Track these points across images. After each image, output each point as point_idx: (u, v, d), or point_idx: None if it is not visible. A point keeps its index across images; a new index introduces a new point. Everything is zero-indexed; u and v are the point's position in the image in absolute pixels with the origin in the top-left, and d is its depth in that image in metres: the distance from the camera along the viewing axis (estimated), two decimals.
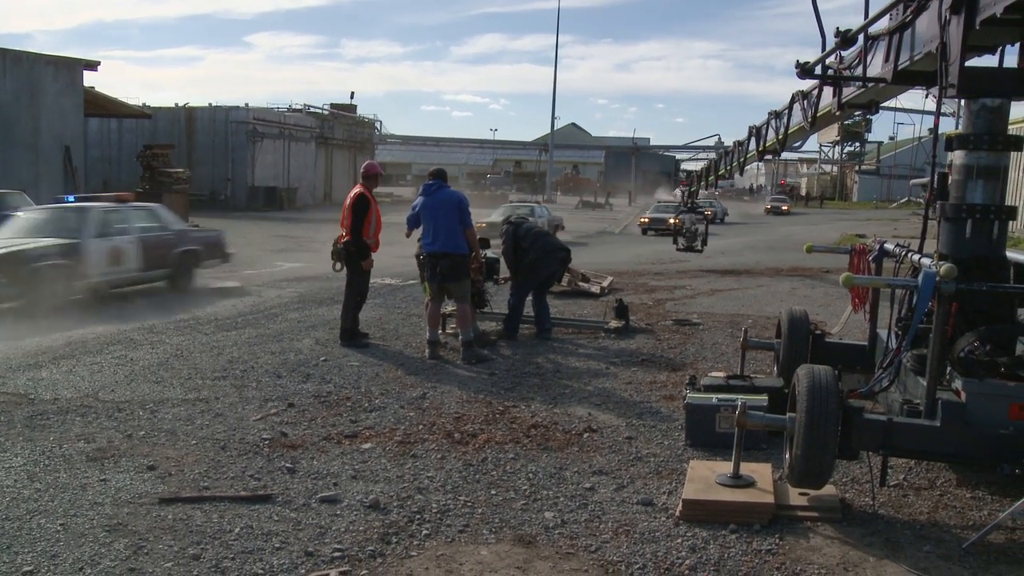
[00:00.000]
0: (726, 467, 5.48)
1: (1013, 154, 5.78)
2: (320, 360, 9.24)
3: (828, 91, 7.67)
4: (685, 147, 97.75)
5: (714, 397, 6.66)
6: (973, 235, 5.60)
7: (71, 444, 6.27)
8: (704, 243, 12.30)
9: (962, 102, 5.73)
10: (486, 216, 27.29)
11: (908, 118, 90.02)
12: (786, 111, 9.07)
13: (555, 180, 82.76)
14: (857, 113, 7.99)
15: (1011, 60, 5.70)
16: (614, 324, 11.27)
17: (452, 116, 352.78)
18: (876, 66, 6.44)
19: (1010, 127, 5.91)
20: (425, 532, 4.90)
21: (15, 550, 4.52)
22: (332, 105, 61.08)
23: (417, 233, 9.99)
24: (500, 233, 11.24)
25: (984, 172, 5.59)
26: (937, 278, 5.03)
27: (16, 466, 5.78)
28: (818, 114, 8.11)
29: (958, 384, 5.27)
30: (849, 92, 7.19)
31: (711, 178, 12.92)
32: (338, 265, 10.35)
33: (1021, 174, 30.51)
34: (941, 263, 5.20)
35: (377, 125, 66.97)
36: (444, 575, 4.39)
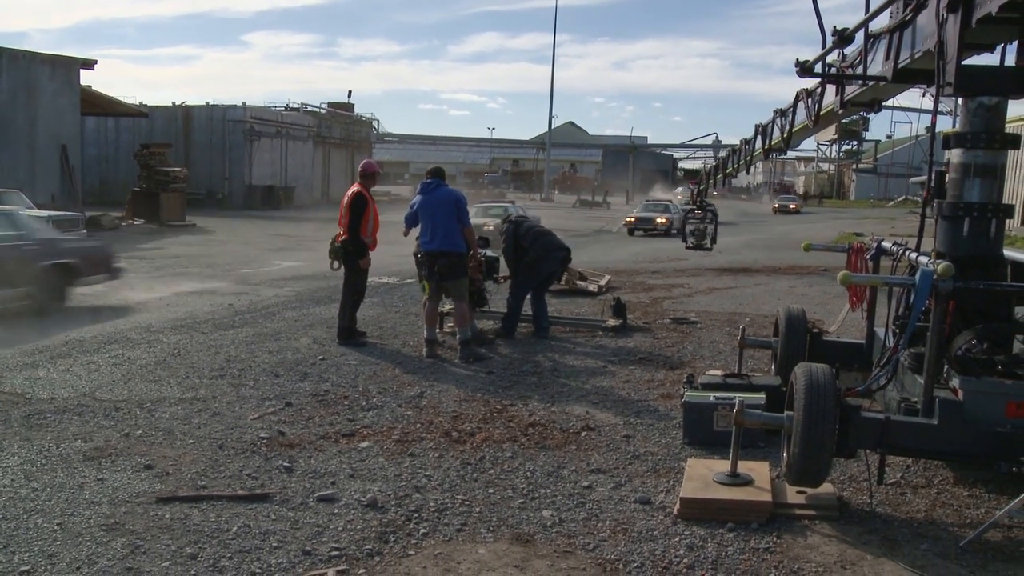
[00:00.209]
0: (724, 465, 5.48)
1: (1010, 152, 5.77)
2: (318, 359, 9.23)
3: (831, 89, 7.66)
4: (682, 146, 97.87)
5: (712, 395, 6.66)
6: (970, 233, 5.60)
7: (68, 443, 6.26)
8: (713, 241, 12.31)
9: (959, 100, 5.73)
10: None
11: (905, 116, 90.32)
12: (791, 109, 9.07)
13: (552, 179, 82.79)
14: (861, 111, 7.97)
15: (1013, 59, 5.69)
16: (612, 323, 11.27)
17: (449, 115, 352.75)
18: (877, 64, 6.44)
19: (1007, 125, 5.91)
20: (423, 531, 4.90)
21: (12, 549, 4.51)
22: (329, 104, 61.04)
23: (415, 231, 9.99)
24: (500, 232, 11.23)
25: (981, 170, 5.59)
26: (935, 276, 5.03)
27: (13, 465, 5.77)
28: (821, 112, 8.10)
29: (955, 382, 5.28)
30: (852, 90, 7.17)
31: (719, 176, 12.91)
32: (336, 264, 10.34)
33: (1018, 172, 30.54)
34: (938, 261, 5.21)
35: (374, 124, 66.95)
36: (442, 574, 4.39)
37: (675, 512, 5.14)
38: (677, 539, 4.80)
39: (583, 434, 6.77)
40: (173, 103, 49.12)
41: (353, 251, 10.07)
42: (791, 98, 8.79)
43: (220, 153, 46.80)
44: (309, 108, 57.12)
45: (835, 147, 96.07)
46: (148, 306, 12.78)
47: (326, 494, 5.38)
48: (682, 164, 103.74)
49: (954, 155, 5.71)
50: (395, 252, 18.50)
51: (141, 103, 46.17)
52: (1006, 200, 5.83)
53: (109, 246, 14.73)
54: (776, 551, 4.65)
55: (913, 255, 5.93)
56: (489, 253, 11.28)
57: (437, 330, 10.04)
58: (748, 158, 11.48)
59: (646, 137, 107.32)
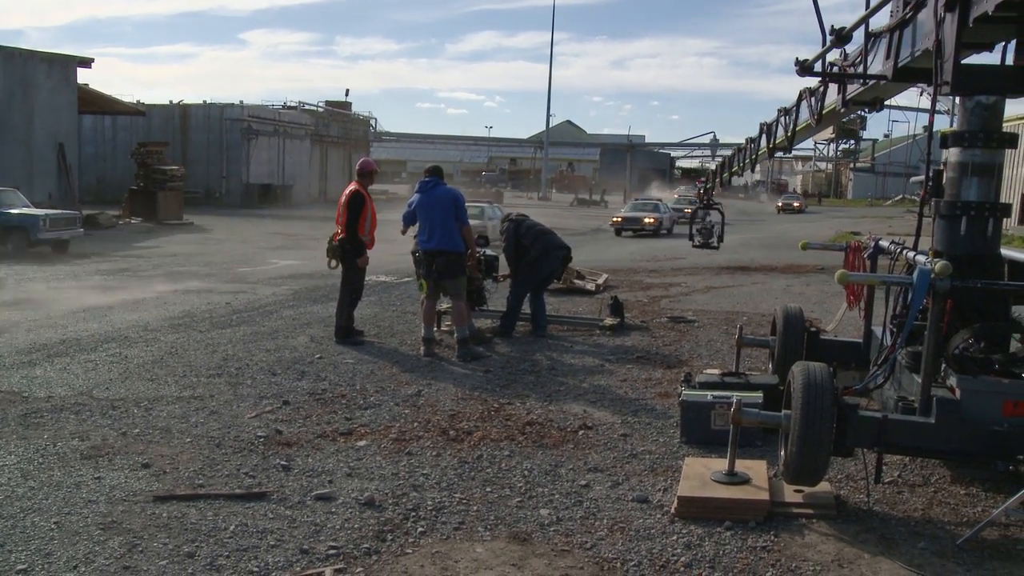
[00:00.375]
0: (721, 464, 5.49)
1: (1008, 151, 5.78)
2: (315, 357, 9.23)
3: (834, 88, 7.68)
4: (680, 145, 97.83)
5: (709, 394, 6.67)
6: (968, 232, 5.61)
7: (65, 442, 6.26)
8: (720, 240, 12.34)
9: (957, 99, 5.74)
10: None
11: (903, 115, 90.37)
12: (794, 108, 9.09)
13: (550, 177, 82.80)
14: (863, 110, 7.98)
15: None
16: (609, 321, 11.27)
17: (447, 113, 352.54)
18: (878, 63, 6.45)
19: (1005, 124, 5.91)
20: (420, 529, 4.90)
21: (9, 548, 4.51)
22: (327, 102, 60.96)
23: (413, 230, 9.98)
24: (501, 231, 11.22)
25: (979, 169, 5.60)
26: (932, 275, 5.03)
27: (10, 464, 5.76)
28: (824, 111, 8.12)
29: (953, 381, 5.29)
30: (853, 89, 7.19)
31: (726, 175, 12.95)
32: (334, 262, 10.34)
33: (1015, 172, 30.58)
34: (936, 260, 5.21)
35: (372, 122, 66.84)
36: (439, 572, 4.39)
37: (673, 511, 5.14)
38: (675, 538, 4.80)
39: (581, 433, 6.77)
40: (170, 101, 49.04)
41: (351, 250, 10.06)
42: (789, 97, 8.82)
43: (217, 152, 46.72)
44: (307, 107, 57.03)
45: (832, 146, 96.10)
46: (145, 304, 12.77)
47: (323, 493, 5.38)
48: (680, 163, 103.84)
49: (952, 154, 5.71)
50: (393, 251, 18.52)
51: (138, 101, 46.16)
52: (1003, 199, 5.84)
53: None
54: (773, 550, 4.65)
55: (911, 254, 5.93)
56: (488, 252, 11.27)
57: (435, 329, 10.04)
58: (753, 157, 11.51)
59: (644, 136, 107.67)
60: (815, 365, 5.22)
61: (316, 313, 12.13)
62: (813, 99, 8.25)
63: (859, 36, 6.71)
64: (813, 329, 8.08)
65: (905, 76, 6.09)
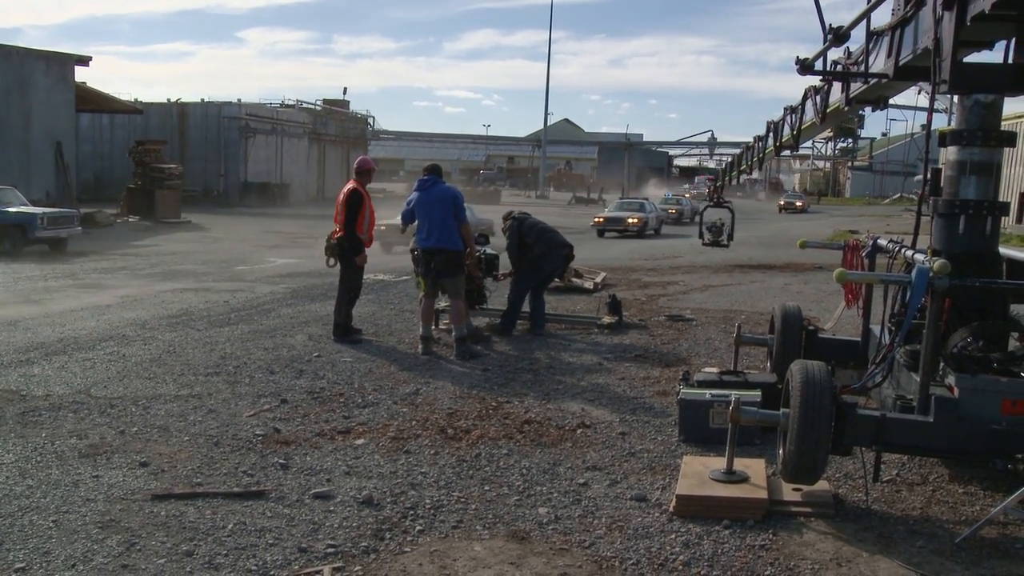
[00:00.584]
0: (719, 463, 5.49)
1: (1006, 150, 5.78)
2: (313, 356, 9.22)
3: (838, 87, 7.68)
4: (678, 143, 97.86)
5: (707, 393, 6.67)
6: (966, 231, 5.61)
7: (63, 440, 6.25)
8: (731, 237, 12.37)
9: (955, 98, 5.74)
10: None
11: (901, 114, 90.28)
12: (800, 107, 9.11)
13: (548, 176, 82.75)
14: (868, 109, 7.99)
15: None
16: (607, 320, 11.28)
17: (445, 112, 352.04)
18: (880, 62, 6.45)
19: (1003, 123, 5.92)
20: (418, 528, 4.90)
21: (7, 547, 4.50)
22: (325, 101, 60.94)
23: (412, 228, 9.98)
24: (504, 229, 11.22)
25: (977, 168, 5.60)
26: (931, 274, 5.04)
27: (8, 463, 5.76)
28: (828, 110, 8.12)
29: (951, 380, 5.29)
30: (857, 87, 7.19)
31: (735, 173, 12.99)
32: (332, 261, 10.33)
33: (1013, 170, 30.60)
34: (934, 259, 5.21)
35: (370, 121, 66.80)
36: (438, 571, 4.39)
37: (671, 509, 5.14)
38: (673, 536, 4.80)
39: (579, 431, 6.77)
40: (168, 100, 49.02)
41: (349, 248, 10.06)
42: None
43: (215, 150, 46.67)
44: (304, 105, 57.00)
45: (830, 144, 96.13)
46: (143, 303, 12.76)
47: (322, 491, 5.37)
48: (677, 161, 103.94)
49: (950, 153, 5.72)
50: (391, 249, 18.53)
51: (136, 100, 46.19)
52: (1001, 198, 5.84)
53: None
54: (772, 548, 4.65)
55: (909, 252, 5.94)
56: (489, 250, 11.26)
57: (433, 327, 10.03)
58: (760, 155, 11.53)
59: (642, 134, 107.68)
60: (813, 364, 5.22)
61: (314, 311, 12.12)
62: (818, 97, 8.26)
63: (862, 35, 6.72)
64: (811, 328, 8.09)
65: (906, 74, 6.09)
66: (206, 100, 48.73)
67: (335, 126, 59.04)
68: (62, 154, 31.13)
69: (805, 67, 7.12)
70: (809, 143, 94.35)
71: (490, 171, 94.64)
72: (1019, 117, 32.29)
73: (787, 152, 11.33)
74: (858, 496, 5.44)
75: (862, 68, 6.82)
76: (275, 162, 50.29)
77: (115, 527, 4.79)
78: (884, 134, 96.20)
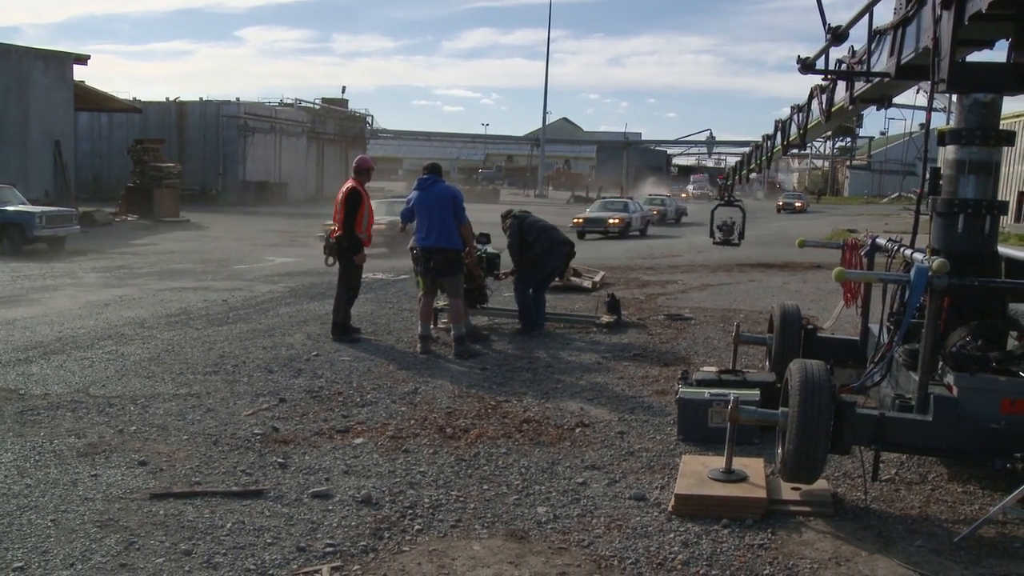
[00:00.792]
0: (718, 462, 5.49)
1: (1005, 149, 5.79)
2: (312, 355, 9.22)
3: (842, 86, 7.69)
4: (677, 142, 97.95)
5: (706, 392, 6.66)
6: (965, 230, 5.61)
7: (62, 439, 6.24)
8: (741, 236, 12.38)
9: (954, 97, 5.74)
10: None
11: (899, 113, 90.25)
12: (806, 106, 9.11)
13: (547, 175, 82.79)
14: (873, 107, 7.99)
15: None
16: (606, 319, 11.28)
17: (443, 111, 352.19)
18: (883, 61, 6.45)
19: (1002, 122, 5.92)
20: (417, 527, 4.89)
21: (5, 546, 4.50)
22: (323, 100, 60.95)
23: (412, 227, 9.98)
24: (504, 227, 11.22)
25: (976, 167, 5.60)
26: (929, 273, 5.04)
27: (6, 462, 5.75)
28: (833, 109, 8.12)
29: (950, 379, 5.29)
30: (860, 86, 7.20)
31: (744, 172, 13.02)
32: (330, 260, 10.33)
33: (1012, 169, 30.63)
34: (933, 258, 5.21)
35: (368, 120, 66.83)
36: (436, 570, 4.38)
37: (670, 508, 5.14)
38: (672, 535, 4.80)
39: (577, 430, 6.76)
40: (167, 98, 49.07)
41: (348, 247, 10.05)
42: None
43: (214, 149, 46.68)
44: (303, 104, 57.00)
45: (829, 144, 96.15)
46: (142, 301, 12.75)
47: (320, 490, 5.37)
48: (676, 160, 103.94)
49: (949, 152, 5.71)
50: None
51: (135, 98, 46.16)
52: (1000, 197, 5.84)
53: None
54: (771, 547, 4.65)
55: (908, 251, 5.93)
56: (490, 249, 11.26)
57: (432, 326, 10.03)
58: (769, 154, 11.55)
59: (640, 133, 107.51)
60: (812, 363, 5.22)
61: (313, 310, 12.12)
62: (824, 96, 8.26)
63: (864, 33, 6.72)
64: (810, 327, 8.08)
65: (908, 73, 6.09)
66: (205, 99, 48.73)
67: (334, 125, 59.04)
68: (61, 153, 31.13)
69: (806, 66, 7.11)
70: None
71: (489, 170, 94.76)
72: (1018, 116, 32.34)
73: (794, 151, 11.35)
74: (857, 495, 5.44)
75: (865, 67, 6.81)
76: (274, 161, 50.28)
77: (114, 526, 4.79)
78: (883, 133, 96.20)
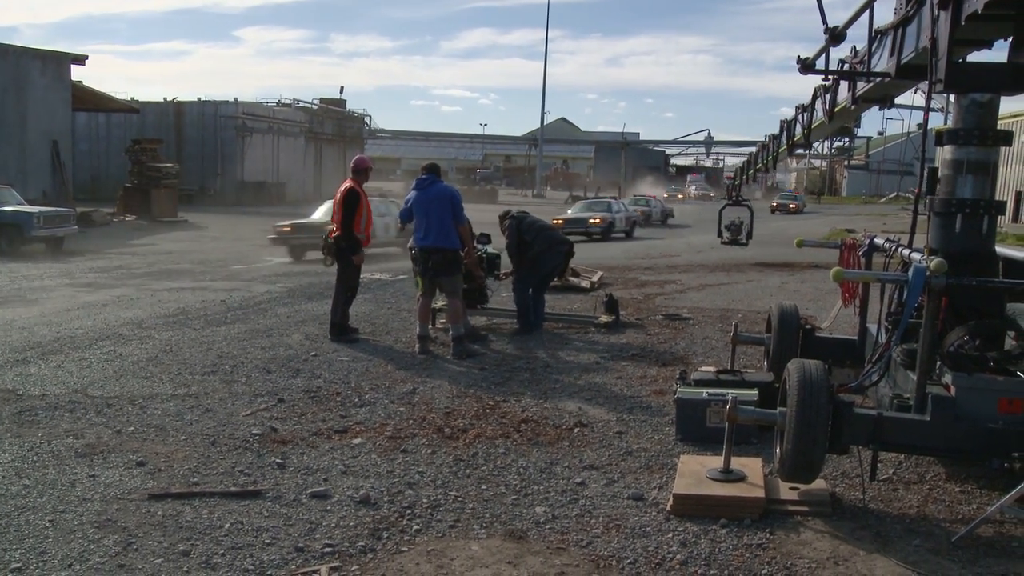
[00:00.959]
0: (716, 461, 5.49)
1: (1002, 149, 5.79)
2: (310, 355, 9.22)
3: (844, 86, 7.70)
4: (675, 142, 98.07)
5: (704, 392, 6.67)
6: (963, 230, 5.61)
7: (60, 440, 6.24)
8: (749, 236, 12.40)
9: (952, 97, 5.75)
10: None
11: (897, 113, 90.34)
12: (810, 105, 9.13)
13: (545, 175, 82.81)
14: (873, 107, 8.01)
15: None
16: (604, 319, 11.28)
17: (441, 111, 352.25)
18: (884, 61, 6.46)
19: (999, 122, 5.92)
20: (416, 527, 4.89)
21: (3, 547, 4.49)
22: (321, 100, 60.90)
23: (411, 227, 9.98)
24: (503, 228, 11.23)
25: (974, 167, 5.60)
26: (927, 273, 5.04)
27: (4, 462, 5.75)
28: (836, 109, 8.13)
29: (948, 379, 5.29)
30: (862, 86, 7.21)
31: (751, 172, 13.06)
32: (329, 260, 10.32)
33: (1009, 169, 30.66)
34: (931, 258, 5.22)
35: (367, 120, 66.82)
36: (435, 570, 4.38)
37: (668, 508, 5.14)
38: (670, 535, 4.80)
39: (576, 430, 6.77)
40: (164, 99, 49.03)
41: (346, 247, 10.05)
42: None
43: (212, 149, 46.68)
44: (301, 104, 56.98)
45: (827, 143, 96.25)
46: (139, 302, 12.74)
47: (319, 491, 5.37)
48: (674, 160, 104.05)
49: (947, 152, 5.72)
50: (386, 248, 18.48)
51: (132, 99, 46.16)
52: (998, 196, 5.85)
53: None
54: (769, 547, 4.66)
55: (906, 251, 5.94)
56: (490, 249, 11.26)
57: (430, 326, 10.03)
58: (775, 154, 11.56)
59: (638, 133, 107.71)
60: (810, 363, 5.23)
61: (311, 311, 12.11)
62: (828, 96, 8.27)
63: (865, 33, 6.73)
64: (808, 326, 8.09)
65: (908, 73, 6.10)
66: (202, 99, 48.74)
67: (332, 125, 59.03)
68: (58, 153, 31.10)
69: (806, 66, 7.12)
70: None
71: (487, 170, 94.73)
72: (1015, 116, 32.36)
73: (800, 150, 11.37)
74: (855, 495, 5.44)
75: (866, 67, 6.82)
76: (271, 161, 50.27)
77: (112, 527, 4.78)
78: (880, 133, 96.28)
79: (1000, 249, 6.04)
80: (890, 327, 5.76)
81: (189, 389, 7.76)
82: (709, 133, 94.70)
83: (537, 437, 6.57)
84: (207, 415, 6.97)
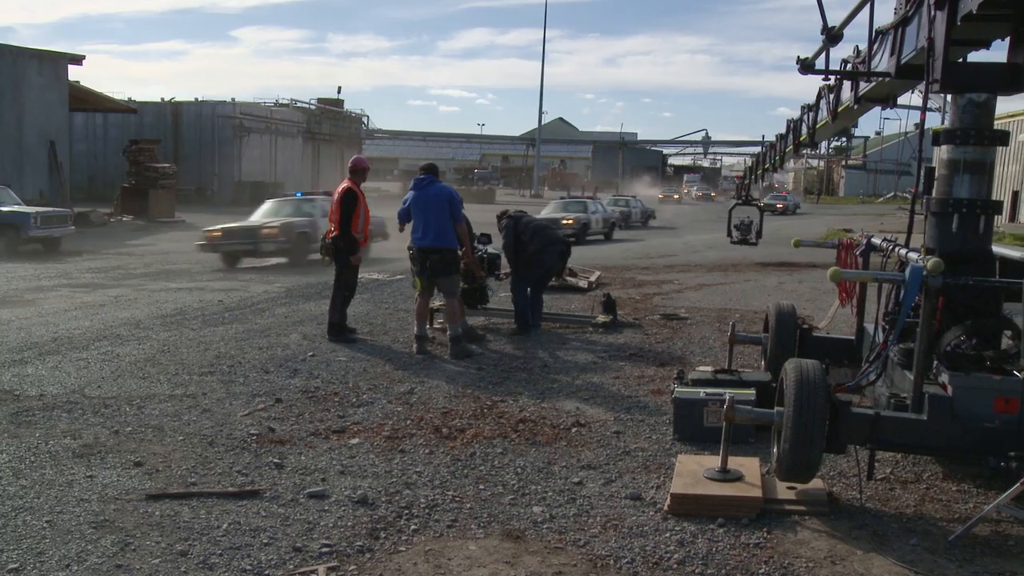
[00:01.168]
0: (714, 461, 5.49)
1: (999, 149, 5.80)
2: (308, 355, 9.21)
3: (847, 85, 7.71)
4: (672, 142, 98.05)
5: (702, 391, 6.67)
6: (959, 230, 5.62)
7: (57, 440, 6.24)
8: (759, 236, 12.40)
9: (949, 97, 5.76)
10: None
11: (895, 113, 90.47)
12: (815, 105, 9.15)
13: (542, 175, 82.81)
14: (880, 107, 8.02)
15: None
16: (602, 319, 11.28)
17: (439, 111, 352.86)
18: (885, 61, 6.47)
19: (996, 122, 5.93)
20: (413, 527, 4.89)
21: (1, 547, 4.49)
22: (319, 100, 60.87)
23: (409, 227, 9.98)
24: (500, 227, 11.24)
25: (970, 167, 5.61)
26: (924, 272, 5.05)
27: (1, 463, 5.74)
28: (839, 108, 8.14)
29: (944, 378, 5.30)
30: (865, 86, 7.21)
31: (759, 171, 13.09)
32: (327, 260, 10.32)
33: (1006, 169, 30.69)
34: (928, 257, 5.22)
35: (364, 120, 66.77)
36: (432, 570, 4.38)
37: (665, 508, 5.15)
38: (667, 535, 4.81)
39: (573, 430, 6.77)
40: (162, 99, 49.04)
41: (344, 247, 10.05)
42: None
43: (209, 149, 46.67)
44: (299, 104, 56.95)
45: (824, 143, 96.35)
46: (137, 302, 12.73)
47: (316, 491, 5.37)
48: (672, 160, 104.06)
49: (943, 152, 5.73)
50: (384, 248, 18.48)
51: (130, 99, 46.10)
52: (994, 196, 5.86)
53: None
54: (766, 546, 4.66)
55: (903, 251, 5.95)
56: (491, 250, 11.27)
57: (428, 326, 10.03)
58: (782, 154, 11.58)
59: (636, 133, 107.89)
60: (808, 362, 5.23)
61: (309, 311, 12.11)
62: (832, 96, 8.28)
63: (866, 33, 6.74)
64: (805, 326, 8.09)
65: (907, 73, 6.10)
66: (200, 99, 48.72)
67: (329, 125, 59.01)
68: (56, 153, 31.08)
69: (806, 66, 7.13)
70: None
71: (484, 170, 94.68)
72: (1012, 116, 32.41)
73: (806, 150, 11.40)
74: (852, 494, 5.44)
75: (867, 67, 6.83)
76: (269, 161, 50.26)
77: (109, 527, 4.78)
78: (878, 133, 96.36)
79: (996, 248, 6.04)
80: (887, 327, 5.77)
81: (187, 389, 7.76)
82: (707, 133, 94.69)
83: (535, 437, 6.57)
84: (205, 415, 6.97)
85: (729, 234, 12.54)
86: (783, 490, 5.29)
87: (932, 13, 5.25)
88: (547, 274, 11.31)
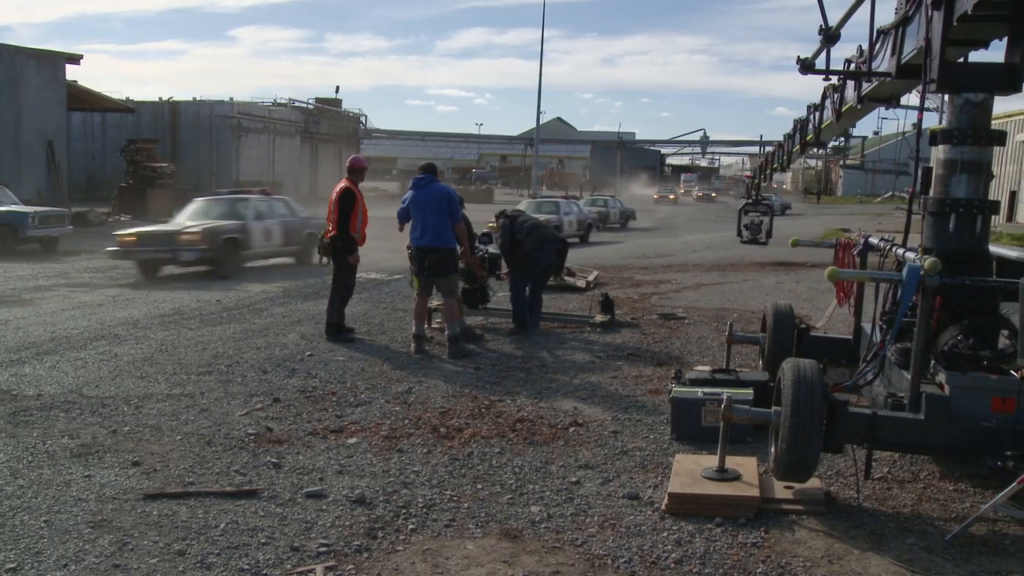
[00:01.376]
0: (711, 461, 5.50)
1: (996, 148, 5.81)
2: (305, 355, 9.21)
3: (851, 85, 7.71)
4: (670, 141, 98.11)
5: (699, 391, 6.68)
6: (957, 229, 5.63)
7: (55, 440, 6.23)
8: (769, 235, 12.39)
9: (946, 97, 5.76)
10: None
11: (892, 113, 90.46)
12: (820, 105, 9.16)
13: (540, 175, 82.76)
14: (884, 107, 8.02)
15: None
16: (600, 318, 11.29)
17: (437, 110, 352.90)
18: (886, 61, 6.47)
19: (993, 122, 5.94)
20: (411, 527, 4.90)
21: None
22: (317, 99, 60.84)
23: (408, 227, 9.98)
24: (496, 227, 11.24)
25: (968, 167, 5.61)
26: (921, 272, 5.05)
27: None
28: (843, 108, 8.15)
29: (942, 377, 5.31)
30: (868, 86, 7.22)
31: (768, 171, 13.11)
32: (325, 259, 10.32)
33: (1004, 169, 30.71)
34: (925, 257, 5.23)
35: (362, 119, 66.73)
36: (430, 569, 4.39)
37: (663, 507, 5.15)
38: (665, 534, 4.81)
39: (571, 430, 6.77)
40: (160, 98, 49.01)
41: (342, 247, 10.05)
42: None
43: (207, 149, 46.65)
44: (297, 103, 56.93)
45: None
46: (135, 302, 12.73)
47: (314, 490, 5.37)
48: (670, 160, 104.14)
49: (941, 151, 5.73)
50: (383, 248, 18.42)
51: (128, 98, 46.10)
52: (992, 196, 5.86)
53: None
54: (764, 546, 4.66)
55: (900, 251, 5.95)
56: (492, 250, 11.27)
57: (426, 326, 10.03)
58: (789, 153, 11.60)
59: (634, 133, 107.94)
60: (805, 362, 5.23)
61: (306, 310, 12.11)
62: (837, 95, 8.29)
63: (866, 33, 6.74)
64: (803, 326, 8.10)
65: (908, 73, 6.10)
66: (198, 99, 48.76)
67: (327, 125, 58.99)
68: (53, 153, 31.07)
69: (805, 66, 7.13)
70: None
71: (483, 170, 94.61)
72: (1009, 116, 32.44)
73: (814, 150, 11.41)
74: (849, 494, 5.45)
75: (876, 67, 6.83)
76: (267, 161, 50.27)
77: (107, 527, 4.78)
78: (876, 133, 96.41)
79: (994, 248, 6.05)
80: (884, 326, 5.77)
81: (185, 389, 7.75)
82: (705, 133, 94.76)
83: (532, 436, 6.57)
84: (203, 415, 6.97)
85: (739, 234, 12.54)
86: (781, 489, 5.29)
87: (929, 13, 5.25)
88: (545, 273, 11.30)
